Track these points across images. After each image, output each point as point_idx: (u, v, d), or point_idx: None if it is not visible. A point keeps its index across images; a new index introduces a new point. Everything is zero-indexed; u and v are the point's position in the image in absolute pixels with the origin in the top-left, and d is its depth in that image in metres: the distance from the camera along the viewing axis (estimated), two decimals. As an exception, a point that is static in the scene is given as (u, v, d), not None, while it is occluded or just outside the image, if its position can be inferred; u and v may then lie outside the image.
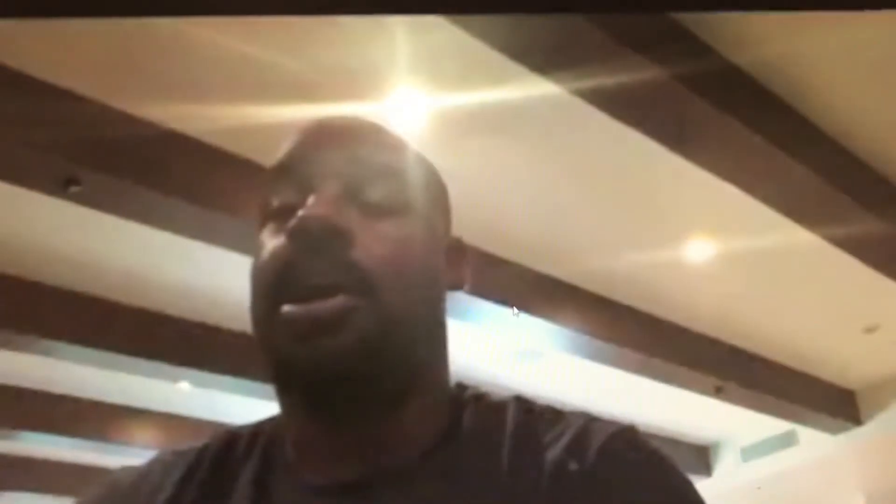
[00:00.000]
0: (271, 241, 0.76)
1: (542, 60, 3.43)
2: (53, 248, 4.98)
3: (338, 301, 0.71)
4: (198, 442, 0.87)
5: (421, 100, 3.88)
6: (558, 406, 0.85)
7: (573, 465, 0.75)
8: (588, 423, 0.80)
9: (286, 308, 0.72)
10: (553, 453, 0.77)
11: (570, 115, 3.92)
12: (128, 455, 7.00)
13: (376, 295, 0.73)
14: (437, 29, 3.38)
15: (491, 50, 3.35)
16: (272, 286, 0.74)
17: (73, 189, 3.83)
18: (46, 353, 5.64)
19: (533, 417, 0.83)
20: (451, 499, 0.74)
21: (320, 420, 0.78)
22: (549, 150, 4.32)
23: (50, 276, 5.27)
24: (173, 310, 5.78)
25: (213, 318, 5.82)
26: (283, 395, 0.81)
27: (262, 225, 0.80)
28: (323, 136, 0.82)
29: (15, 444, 7.54)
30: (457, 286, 0.88)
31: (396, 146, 0.84)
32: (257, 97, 3.74)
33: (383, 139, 0.84)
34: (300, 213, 0.73)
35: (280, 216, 0.77)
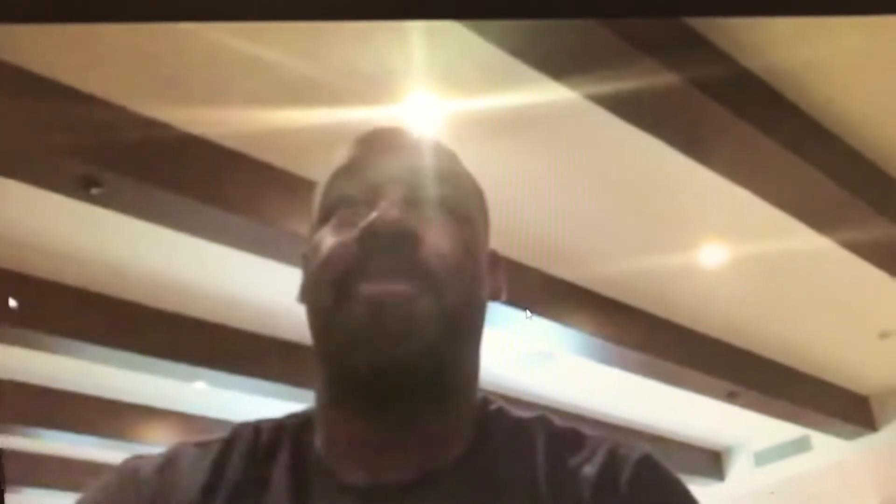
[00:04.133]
0: (336, 237, 0.80)
1: (557, 65, 3.44)
2: (73, 249, 5.02)
3: (407, 285, 0.75)
4: (216, 435, 0.88)
5: (436, 104, 3.90)
6: (578, 426, 0.88)
7: (611, 487, 0.79)
8: (615, 446, 0.84)
9: (364, 286, 0.75)
10: (588, 473, 0.81)
11: (585, 120, 3.93)
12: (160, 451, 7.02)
13: (440, 290, 0.77)
14: (453, 34, 3.40)
15: (506, 55, 3.37)
16: (342, 272, 0.77)
17: (95, 191, 3.87)
18: (64, 352, 5.68)
19: (559, 437, 0.86)
20: None
21: (363, 413, 0.79)
22: (564, 154, 4.33)
23: (70, 276, 5.31)
24: (190, 311, 5.81)
25: (230, 319, 5.86)
26: (331, 385, 0.83)
27: (321, 222, 0.83)
28: (386, 142, 0.87)
29: (34, 442, 7.59)
30: (496, 296, 0.93)
31: (451, 157, 0.90)
32: (275, 101, 3.77)
33: (439, 150, 0.89)
34: (373, 214, 0.77)
35: (344, 215, 0.81)
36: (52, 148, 3.69)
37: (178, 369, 5.95)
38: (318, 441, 0.84)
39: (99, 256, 5.11)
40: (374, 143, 0.87)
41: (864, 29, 3.55)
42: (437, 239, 0.79)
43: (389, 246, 0.76)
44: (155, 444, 7.10)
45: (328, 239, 0.80)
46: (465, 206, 0.86)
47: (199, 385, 6.39)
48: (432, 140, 0.90)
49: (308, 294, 0.83)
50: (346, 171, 0.84)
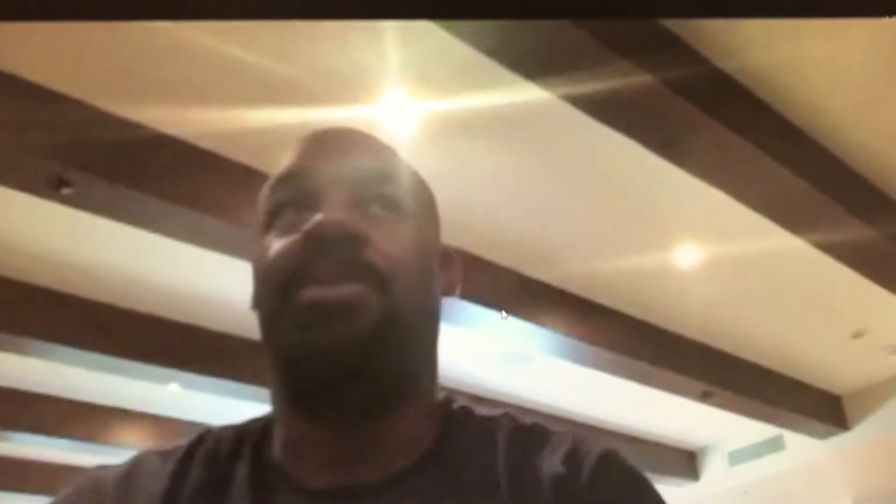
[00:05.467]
0: (280, 241, 0.79)
1: (532, 65, 3.45)
2: (43, 249, 4.98)
3: (354, 288, 0.75)
4: (179, 442, 0.88)
5: (412, 104, 3.90)
6: (544, 423, 0.88)
7: (572, 481, 0.79)
8: (577, 441, 0.84)
9: (304, 290, 0.75)
10: (549, 468, 0.80)
11: (559, 120, 3.95)
12: (118, 456, 6.96)
13: (388, 290, 0.76)
14: (428, 34, 3.40)
15: (481, 55, 3.37)
16: (287, 277, 0.77)
17: (65, 191, 3.84)
18: (36, 354, 5.63)
19: (523, 433, 0.85)
20: None
21: (320, 417, 0.79)
22: (538, 154, 4.34)
23: (40, 277, 5.27)
24: (163, 312, 5.78)
25: (203, 320, 5.83)
26: (285, 390, 0.82)
27: (267, 227, 0.82)
28: (327, 144, 0.86)
29: (5, 445, 7.53)
30: (449, 292, 0.91)
31: (393, 156, 0.89)
32: (249, 101, 3.75)
33: (381, 149, 0.88)
34: (316, 217, 0.76)
35: (289, 220, 0.80)
36: (21, 147, 3.66)
37: (151, 371, 5.92)
38: (278, 445, 0.83)
39: (71, 257, 5.07)
40: (317, 144, 0.86)
41: (837, 31, 3.59)
42: (383, 239, 0.79)
43: (334, 248, 0.75)
44: (128, 446, 7.06)
45: (274, 244, 0.80)
46: (411, 203, 0.85)
47: (173, 387, 6.35)
48: (375, 139, 0.89)
49: (256, 300, 0.83)
50: (289, 175, 0.84)
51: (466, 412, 0.89)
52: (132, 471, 0.84)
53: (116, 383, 6.38)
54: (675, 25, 3.55)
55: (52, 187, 3.83)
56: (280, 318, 0.77)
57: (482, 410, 0.90)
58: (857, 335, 6.54)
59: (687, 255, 5.32)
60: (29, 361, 5.88)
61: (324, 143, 0.86)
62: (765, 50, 3.71)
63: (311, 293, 0.74)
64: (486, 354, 6.46)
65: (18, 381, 6.73)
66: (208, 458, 0.84)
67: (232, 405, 6.21)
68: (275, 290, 0.78)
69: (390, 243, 0.79)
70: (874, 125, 4.26)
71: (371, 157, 0.85)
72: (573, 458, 0.81)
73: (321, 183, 0.81)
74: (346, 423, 0.79)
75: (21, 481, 7.99)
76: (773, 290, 5.80)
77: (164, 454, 0.86)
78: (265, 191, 0.86)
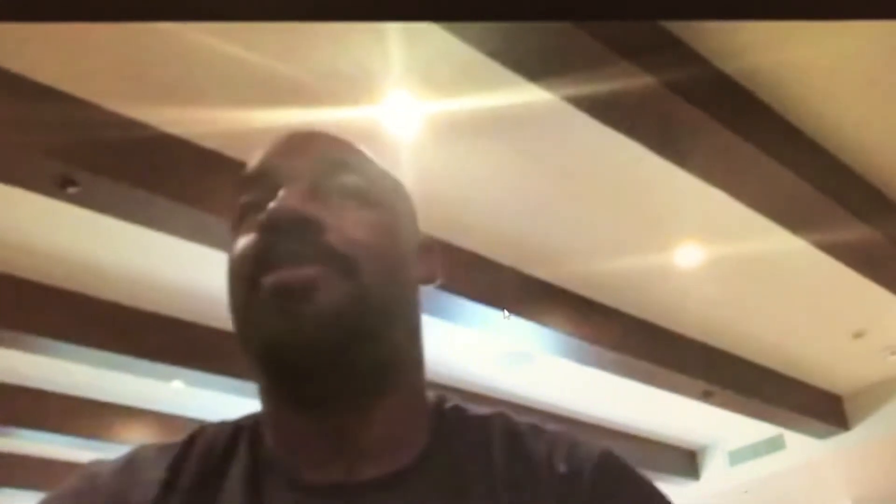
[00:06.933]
0: (244, 238, 0.79)
1: (534, 67, 3.46)
2: (49, 247, 5.00)
3: (313, 269, 0.74)
4: (175, 438, 0.87)
5: (414, 105, 3.91)
6: (538, 422, 0.89)
7: (574, 482, 0.80)
8: (574, 441, 0.85)
9: (265, 278, 0.74)
10: (548, 468, 0.81)
11: (561, 121, 3.96)
12: (121, 454, 6.99)
13: (352, 270, 0.76)
14: (431, 35, 3.42)
15: (483, 56, 3.39)
16: (248, 268, 0.77)
17: (71, 190, 3.86)
18: (41, 351, 5.65)
19: (518, 433, 0.86)
20: None
21: (300, 405, 0.79)
22: (541, 155, 4.36)
23: (46, 275, 5.29)
24: (167, 310, 5.80)
25: (207, 318, 5.84)
26: (264, 382, 0.83)
27: (236, 231, 0.82)
28: (290, 142, 0.87)
29: (9, 442, 7.55)
30: (429, 280, 0.91)
31: (356, 150, 0.88)
32: (253, 101, 3.77)
33: (342, 145, 0.88)
34: (270, 206, 0.76)
35: (251, 216, 0.80)
36: (28, 147, 3.68)
37: (155, 368, 5.93)
38: (270, 440, 0.84)
39: (75, 255, 5.09)
40: (279, 146, 0.87)
41: (838, 33, 3.60)
42: (345, 224, 0.78)
43: (290, 233, 0.75)
44: (132, 443, 6.94)
45: (238, 241, 0.80)
46: (375, 192, 0.84)
47: (176, 384, 6.37)
48: (338, 138, 0.89)
49: (229, 299, 0.81)
50: (251, 176, 0.85)
51: (460, 411, 0.89)
52: (128, 466, 0.85)
53: (120, 380, 6.39)
54: (677, 27, 3.56)
55: (58, 186, 3.85)
56: (247, 309, 0.77)
57: (475, 410, 0.90)
58: (858, 335, 6.55)
59: (688, 255, 5.33)
60: (33, 358, 5.90)
61: (287, 141, 0.87)
62: (766, 51, 3.72)
63: (272, 278, 0.74)
64: (488, 353, 6.47)
65: (22, 378, 6.75)
66: (204, 454, 0.84)
67: (235, 402, 6.22)
68: (240, 284, 0.78)
69: (353, 229, 0.79)
70: (875, 126, 4.27)
71: (331, 151, 0.85)
72: (573, 458, 0.82)
73: (281, 178, 0.81)
74: (327, 410, 0.78)
75: (25, 478, 8.00)
76: (774, 290, 5.81)
77: (160, 449, 0.86)
78: (233, 191, 0.86)
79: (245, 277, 0.77)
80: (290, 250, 0.75)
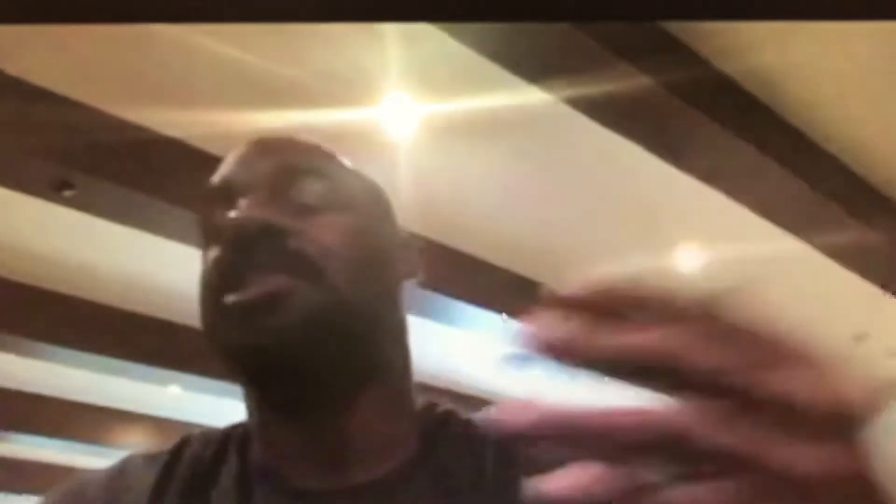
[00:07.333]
0: (211, 254, 0.77)
1: (533, 69, 3.45)
2: (45, 251, 4.99)
3: (276, 281, 0.72)
4: (165, 446, 0.87)
5: (412, 106, 3.90)
6: None
7: None
8: None
9: (226, 298, 0.73)
10: (543, 471, 0.79)
11: (560, 123, 3.95)
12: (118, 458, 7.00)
13: (320, 275, 0.74)
14: (429, 37, 3.40)
15: (481, 58, 3.37)
16: (214, 286, 0.75)
17: (67, 193, 3.85)
18: (37, 355, 5.65)
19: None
20: None
21: (280, 410, 0.79)
22: (539, 157, 4.34)
23: (41, 279, 5.28)
24: (164, 314, 5.79)
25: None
26: (243, 390, 0.82)
27: (204, 242, 0.81)
28: (251, 151, 0.84)
29: (5, 446, 7.54)
30: (410, 276, 0.88)
31: (326, 154, 0.86)
32: (250, 103, 3.76)
33: (312, 149, 0.85)
34: (230, 216, 0.75)
35: (215, 231, 0.78)
36: (24, 150, 3.67)
37: (151, 373, 5.93)
38: (259, 446, 0.83)
39: (71, 259, 5.08)
40: (241, 153, 0.84)
41: (839, 34, 3.59)
42: (313, 228, 0.76)
43: (253, 244, 0.73)
44: (129, 448, 7.01)
45: (205, 260, 0.79)
46: (342, 195, 0.81)
47: (173, 389, 6.36)
48: (302, 141, 0.87)
49: (200, 317, 0.80)
50: (214, 191, 0.82)
51: (451, 416, 0.87)
52: (117, 475, 0.84)
53: (116, 385, 6.39)
54: (676, 28, 3.55)
55: (54, 189, 3.84)
56: (215, 327, 0.76)
57: (467, 415, 0.88)
58: (859, 339, 6.53)
59: (688, 258, 5.32)
60: (30, 363, 5.89)
61: (248, 150, 0.84)
62: (766, 52, 3.71)
63: (233, 297, 0.73)
64: (486, 356, 6.46)
65: (18, 383, 6.75)
66: (194, 461, 0.84)
67: (232, 407, 6.21)
68: (206, 305, 0.77)
69: (322, 232, 0.76)
70: (876, 128, 4.26)
71: (297, 154, 0.83)
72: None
73: (242, 186, 0.79)
74: (304, 412, 0.78)
75: (21, 482, 8.00)
76: (774, 293, 5.78)
77: (150, 457, 0.85)
78: (198, 204, 0.84)
79: (210, 299, 0.76)
80: (252, 263, 0.73)
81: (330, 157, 0.86)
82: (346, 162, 0.87)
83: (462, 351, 6.13)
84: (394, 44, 3.52)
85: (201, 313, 0.78)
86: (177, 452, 0.85)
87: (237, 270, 0.74)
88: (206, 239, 0.81)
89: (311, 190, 0.80)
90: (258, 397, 0.81)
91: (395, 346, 0.85)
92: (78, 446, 7.24)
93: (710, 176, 4.20)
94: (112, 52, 3.55)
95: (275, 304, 0.72)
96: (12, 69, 3.60)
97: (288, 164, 0.81)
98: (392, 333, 0.85)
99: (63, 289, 5.41)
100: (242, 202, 0.76)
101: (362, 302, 0.78)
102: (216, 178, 0.83)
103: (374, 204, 0.88)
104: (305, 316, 0.72)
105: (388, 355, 0.84)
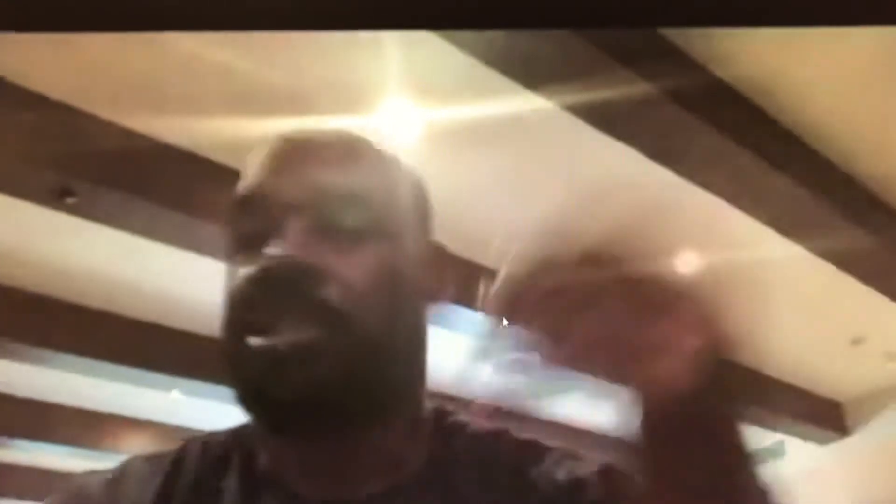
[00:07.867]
0: (242, 271, 0.75)
1: (532, 75, 3.46)
2: (47, 258, 4.99)
3: (307, 331, 0.71)
4: (167, 448, 0.86)
5: (411, 113, 3.91)
6: (539, 438, 0.87)
7: (577, 498, 0.79)
8: (576, 457, 0.83)
9: (253, 340, 0.71)
10: (550, 485, 0.80)
11: (560, 129, 3.95)
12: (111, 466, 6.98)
13: (350, 327, 0.72)
14: (428, 44, 3.41)
15: (481, 64, 3.38)
16: (239, 318, 0.74)
17: (69, 200, 3.86)
18: (38, 361, 5.64)
19: (520, 449, 0.85)
20: None
21: (293, 441, 0.79)
22: (539, 163, 4.34)
23: (43, 285, 5.28)
24: (165, 319, 5.79)
25: (205, 327, 5.83)
26: (253, 417, 0.80)
27: (233, 254, 0.78)
28: (288, 160, 0.80)
29: (7, 453, 7.53)
30: (438, 297, 0.87)
31: (365, 163, 0.82)
32: (251, 111, 3.76)
33: (351, 157, 0.82)
34: (267, 252, 0.73)
35: (250, 246, 0.76)
36: (26, 157, 3.68)
37: (154, 378, 5.92)
38: (264, 455, 0.82)
39: (74, 266, 5.08)
40: (276, 160, 0.81)
41: (835, 39, 3.59)
42: (347, 269, 0.74)
43: (287, 289, 0.72)
44: (131, 454, 7.02)
45: (237, 275, 0.76)
46: (385, 221, 0.79)
47: (175, 394, 6.36)
48: (340, 145, 0.83)
49: (220, 333, 0.77)
50: (249, 199, 0.79)
51: (460, 427, 0.87)
52: (119, 478, 0.83)
53: (118, 390, 6.38)
54: (676, 35, 3.56)
55: (55, 197, 3.85)
56: (235, 358, 0.74)
57: (476, 425, 0.87)
58: (857, 342, 6.53)
59: (685, 263, 5.31)
60: (31, 369, 5.89)
61: (283, 157, 0.81)
62: (763, 58, 3.72)
63: (260, 341, 0.71)
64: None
65: (20, 389, 6.74)
66: (199, 465, 0.82)
67: (234, 413, 6.20)
68: (230, 327, 0.75)
69: (354, 271, 0.74)
70: (873, 132, 4.26)
71: (336, 170, 0.79)
72: (575, 474, 0.80)
73: (279, 205, 0.76)
74: (321, 441, 0.77)
75: (23, 488, 7.97)
76: (772, 296, 5.80)
77: (151, 461, 0.84)
78: (227, 212, 0.81)
79: (234, 332, 0.74)
80: (283, 307, 0.71)
81: (365, 163, 0.82)
82: (383, 153, 0.85)
83: (462, 355, 6.12)
84: (394, 51, 3.53)
85: (222, 339, 0.76)
86: (179, 456, 0.84)
87: (267, 311, 0.72)
88: (234, 253, 0.78)
89: (351, 216, 0.77)
90: (267, 427, 0.79)
91: (415, 371, 0.84)
92: (79, 452, 7.22)
93: (709, 181, 4.21)
94: (114, 60, 3.56)
95: (303, 357, 0.70)
96: (12, 76, 3.60)
97: (327, 183, 0.78)
98: (414, 361, 0.84)
99: (64, 295, 5.41)
100: (277, 232, 0.74)
101: (393, 343, 0.77)
102: (251, 185, 0.80)
103: (414, 212, 0.86)
104: (333, 369, 0.71)
105: (410, 383, 0.84)
